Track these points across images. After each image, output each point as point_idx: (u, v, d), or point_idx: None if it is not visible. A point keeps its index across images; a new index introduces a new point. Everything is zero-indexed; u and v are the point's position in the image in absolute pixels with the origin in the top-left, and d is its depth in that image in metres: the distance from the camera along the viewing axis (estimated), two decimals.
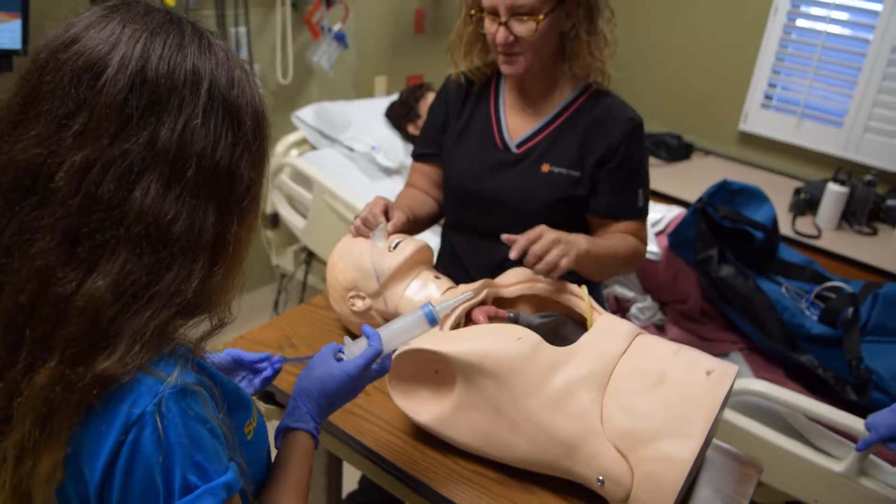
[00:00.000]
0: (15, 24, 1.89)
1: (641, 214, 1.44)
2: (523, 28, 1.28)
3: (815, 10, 3.04)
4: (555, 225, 1.38)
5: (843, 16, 2.97)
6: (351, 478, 1.68)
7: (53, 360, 0.62)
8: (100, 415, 0.63)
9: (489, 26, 1.33)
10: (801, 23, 3.10)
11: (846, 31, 2.99)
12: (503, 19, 1.29)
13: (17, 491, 0.64)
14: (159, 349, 0.66)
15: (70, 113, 0.63)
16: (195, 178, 0.65)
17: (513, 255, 1.20)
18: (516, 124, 1.44)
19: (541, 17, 1.27)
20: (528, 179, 1.40)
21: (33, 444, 0.62)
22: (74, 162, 0.62)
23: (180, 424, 0.63)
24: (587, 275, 1.34)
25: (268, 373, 1.00)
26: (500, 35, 1.30)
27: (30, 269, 0.62)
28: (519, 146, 1.42)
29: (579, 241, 1.24)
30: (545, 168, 1.39)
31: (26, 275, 0.62)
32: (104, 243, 0.63)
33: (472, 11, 1.36)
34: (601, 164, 1.38)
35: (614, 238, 1.40)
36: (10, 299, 0.63)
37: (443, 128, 1.51)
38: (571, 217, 1.42)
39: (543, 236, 1.20)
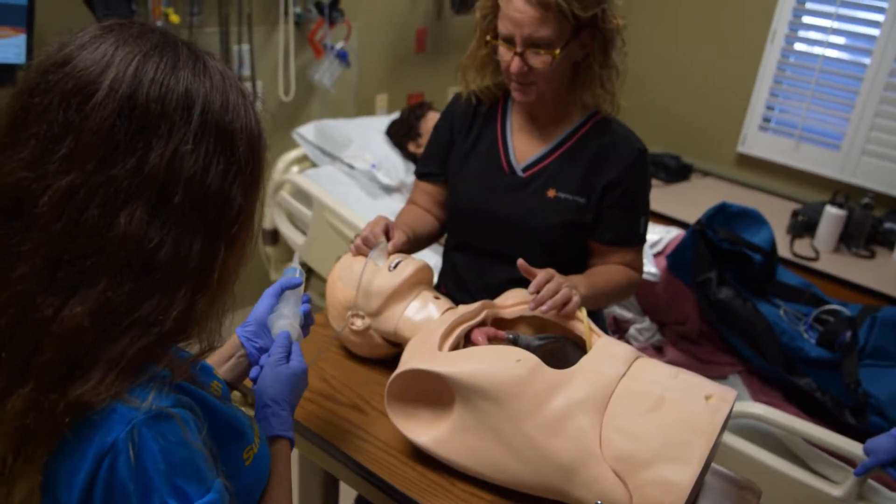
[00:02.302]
0: (20, 39, 1.91)
1: (641, 241, 1.46)
2: (538, 60, 1.28)
3: (812, 35, 3.08)
4: (557, 249, 1.38)
5: (841, 40, 3.00)
6: (347, 498, 1.67)
7: (28, 385, 0.61)
8: (73, 444, 0.61)
9: (504, 54, 1.32)
10: (798, 47, 3.13)
11: (843, 56, 3.02)
12: (519, 49, 1.28)
13: None
14: (137, 376, 0.64)
15: (57, 137, 0.61)
16: (182, 205, 0.63)
17: (531, 291, 1.22)
18: (523, 148, 1.44)
19: (557, 50, 1.27)
20: (533, 204, 1.40)
21: (8, 470, 0.61)
22: (59, 187, 0.60)
23: (155, 450, 0.62)
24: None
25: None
26: (515, 65, 1.29)
27: (10, 294, 0.61)
28: (525, 170, 1.42)
29: (578, 287, 1.27)
30: (551, 193, 1.39)
31: (6, 299, 0.61)
32: (85, 269, 0.61)
33: (488, 37, 1.36)
34: (607, 193, 1.39)
35: (609, 273, 1.42)
36: None
37: (448, 147, 1.52)
38: (574, 242, 1.43)
39: (555, 277, 1.23)
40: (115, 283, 0.62)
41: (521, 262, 1.24)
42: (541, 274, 1.23)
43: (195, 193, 0.64)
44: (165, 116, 0.63)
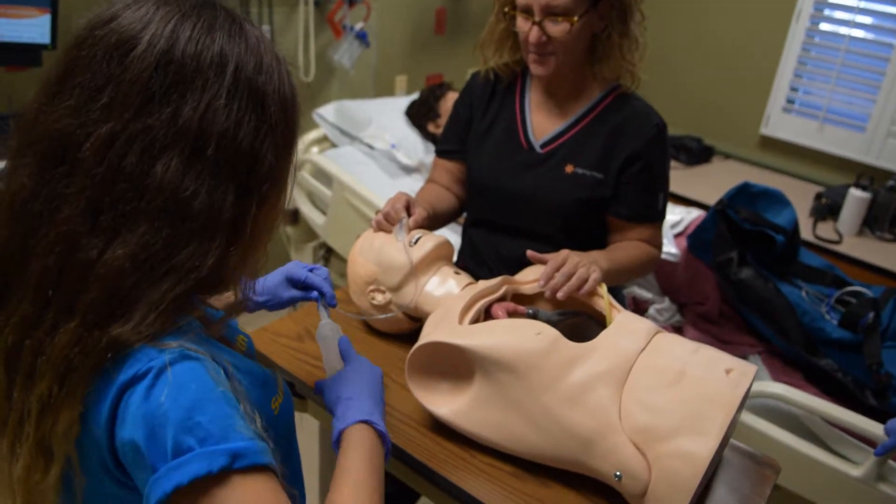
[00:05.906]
0: (44, 19, 1.93)
1: (659, 218, 1.46)
2: (557, 28, 1.28)
3: (838, 14, 3.02)
4: (575, 224, 1.39)
5: (867, 20, 2.94)
6: None
7: (74, 322, 0.64)
8: (104, 379, 0.65)
9: (522, 25, 1.32)
10: (824, 27, 3.08)
11: (870, 36, 2.97)
12: (537, 19, 1.28)
13: (41, 444, 0.66)
14: (174, 321, 0.68)
15: (99, 87, 0.66)
16: (215, 158, 0.67)
17: (542, 285, 1.20)
18: (541, 124, 1.44)
19: (575, 18, 1.27)
20: (551, 180, 1.40)
21: (53, 400, 0.65)
22: (100, 134, 0.64)
23: (174, 385, 0.63)
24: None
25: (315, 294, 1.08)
26: (534, 34, 1.30)
27: (57, 234, 0.65)
28: (543, 146, 1.42)
29: (599, 261, 1.26)
30: (569, 169, 1.39)
31: (54, 238, 0.65)
32: (126, 214, 0.65)
33: (506, 9, 1.36)
34: (625, 168, 1.38)
35: (629, 248, 1.42)
36: (39, 261, 0.66)
37: (467, 125, 1.52)
38: (592, 217, 1.43)
39: (569, 259, 1.22)
40: (154, 228, 0.65)
41: (529, 252, 1.24)
42: (549, 263, 1.21)
43: (227, 147, 0.68)
44: (200, 72, 0.67)
